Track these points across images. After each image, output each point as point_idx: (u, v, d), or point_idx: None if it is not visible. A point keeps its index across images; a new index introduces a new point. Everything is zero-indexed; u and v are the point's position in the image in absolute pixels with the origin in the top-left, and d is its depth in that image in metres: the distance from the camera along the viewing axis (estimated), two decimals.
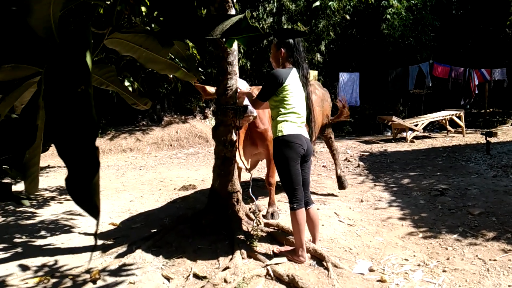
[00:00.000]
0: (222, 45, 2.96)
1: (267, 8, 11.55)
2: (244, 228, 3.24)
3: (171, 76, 3.68)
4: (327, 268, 2.70)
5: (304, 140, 2.77)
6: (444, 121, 10.53)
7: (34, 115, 0.75)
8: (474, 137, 9.61)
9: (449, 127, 10.61)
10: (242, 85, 3.19)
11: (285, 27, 11.31)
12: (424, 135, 10.35)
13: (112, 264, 2.94)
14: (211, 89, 3.29)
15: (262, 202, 4.35)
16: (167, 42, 0.90)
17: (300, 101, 2.83)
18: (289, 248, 2.98)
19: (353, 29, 14.30)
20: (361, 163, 6.85)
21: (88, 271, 2.85)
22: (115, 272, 2.81)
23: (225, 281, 2.51)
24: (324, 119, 4.65)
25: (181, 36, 0.90)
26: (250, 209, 3.45)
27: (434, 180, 5.17)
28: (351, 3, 12.25)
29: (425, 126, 10.31)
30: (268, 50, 10.63)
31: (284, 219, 3.68)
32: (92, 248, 3.31)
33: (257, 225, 3.15)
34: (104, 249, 3.26)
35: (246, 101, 3.08)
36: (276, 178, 3.82)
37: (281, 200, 4.43)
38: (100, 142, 10.16)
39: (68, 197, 5.35)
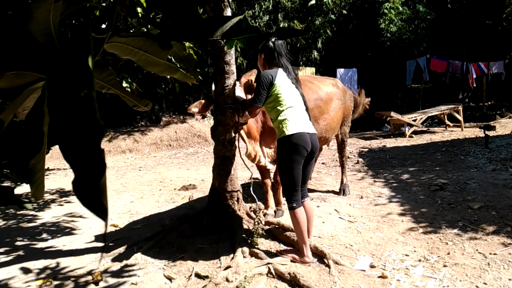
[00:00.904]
0: (221, 46, 2.96)
1: (263, 6, 11.54)
2: (245, 227, 3.25)
3: (169, 76, 3.68)
4: (328, 265, 2.72)
5: (309, 138, 2.75)
6: (442, 115, 10.54)
7: (40, 121, 0.75)
8: (473, 131, 9.62)
9: (447, 122, 10.63)
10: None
11: (281, 25, 11.30)
12: (422, 130, 10.37)
13: (114, 266, 2.95)
14: (194, 109, 3.26)
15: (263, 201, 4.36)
16: (166, 45, 0.91)
17: (295, 97, 2.82)
18: (292, 248, 2.99)
19: (349, 24, 14.29)
20: (360, 159, 6.86)
21: (90, 273, 2.86)
22: (117, 273, 2.82)
23: (227, 280, 2.52)
24: (347, 116, 4.57)
25: (183, 38, 0.91)
26: (250, 207, 3.46)
27: (434, 175, 5.19)
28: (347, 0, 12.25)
29: (423, 121, 10.32)
30: None
31: (284, 217, 3.69)
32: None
33: (258, 223, 3.16)
34: (106, 250, 3.27)
35: (239, 94, 3.08)
36: None
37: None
38: None
39: (68, 199, 5.36)
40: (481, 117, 12.33)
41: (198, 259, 2.90)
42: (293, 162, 2.71)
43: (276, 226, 3.35)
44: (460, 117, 10.24)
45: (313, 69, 12.56)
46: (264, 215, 3.59)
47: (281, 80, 2.77)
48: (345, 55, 14.59)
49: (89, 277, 2.79)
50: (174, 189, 5.60)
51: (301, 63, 12.59)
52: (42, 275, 2.91)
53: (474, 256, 2.83)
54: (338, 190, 4.72)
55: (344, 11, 12.46)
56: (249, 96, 3.09)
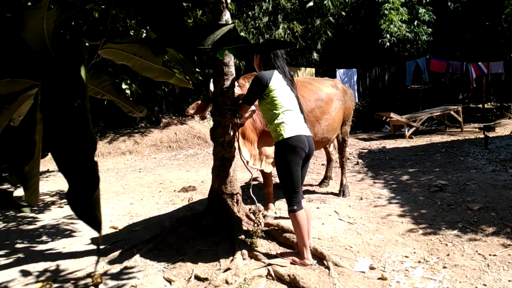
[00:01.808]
0: (213, 56, 2.96)
1: (263, 7, 11.54)
2: (245, 228, 3.25)
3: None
4: (328, 267, 2.71)
5: (306, 141, 2.75)
6: (442, 116, 10.55)
7: (32, 129, 0.75)
8: (473, 132, 9.63)
9: (447, 122, 10.63)
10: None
11: (281, 26, 11.30)
12: (422, 131, 10.37)
13: (113, 268, 2.94)
14: (191, 111, 3.27)
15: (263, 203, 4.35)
16: (160, 51, 0.91)
17: (291, 99, 2.82)
18: (292, 251, 2.98)
19: (349, 25, 14.31)
20: (360, 160, 6.86)
21: (89, 275, 2.86)
22: (117, 276, 2.82)
23: (227, 282, 2.52)
24: (346, 116, 4.55)
25: (174, 47, 0.91)
26: (250, 209, 3.45)
27: (433, 176, 5.18)
28: (347, 1, 12.24)
29: (423, 122, 10.32)
30: None
31: (285, 219, 3.68)
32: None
33: (258, 225, 3.16)
34: (105, 252, 3.27)
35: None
36: None
37: (282, 199, 4.44)
38: (99, 145, 10.16)
39: None
40: (481, 118, 12.33)
41: (198, 261, 2.90)
42: (292, 164, 2.70)
43: (276, 228, 3.35)
44: (460, 118, 10.24)
45: (313, 70, 12.57)
46: (264, 216, 3.59)
47: (277, 83, 2.76)
48: (345, 56, 14.60)
49: (89, 280, 2.79)
50: (174, 190, 5.60)
51: (300, 64, 12.60)
52: (42, 278, 2.91)
53: (474, 257, 2.82)
54: (337, 192, 4.71)
55: (343, 13, 12.46)
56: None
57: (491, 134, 8.22)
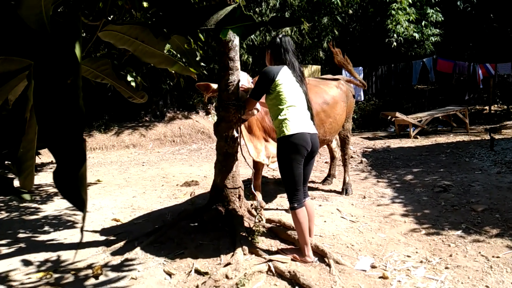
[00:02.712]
0: (225, 41, 2.94)
1: (270, 4, 11.48)
2: (246, 224, 3.24)
3: (173, 71, 3.66)
4: (328, 265, 2.70)
5: (309, 138, 2.72)
6: (448, 117, 10.47)
7: (23, 107, 0.73)
8: (478, 133, 9.55)
9: (453, 123, 10.55)
10: (243, 78, 3.16)
11: None
12: (427, 131, 10.30)
13: (114, 260, 2.95)
14: (215, 85, 3.28)
15: (266, 200, 4.34)
16: (161, 34, 0.89)
17: (298, 95, 2.79)
18: (293, 247, 2.97)
19: (356, 24, 14.21)
20: (364, 159, 6.83)
21: (90, 267, 2.86)
22: (117, 268, 2.82)
23: (227, 277, 2.52)
24: (347, 115, 4.55)
25: (174, 27, 0.89)
26: (251, 205, 3.44)
27: (438, 177, 5.14)
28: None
29: (429, 122, 10.25)
30: None
31: (286, 215, 3.67)
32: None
33: (259, 221, 3.14)
34: (107, 244, 3.28)
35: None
36: None
37: (283, 197, 4.42)
38: (103, 138, 10.19)
39: None
40: (487, 120, 12.23)
41: (198, 256, 2.89)
42: (294, 161, 2.68)
43: (278, 225, 3.34)
44: (466, 119, 10.17)
45: (319, 67, 12.51)
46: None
47: (284, 78, 2.73)
48: (351, 55, 14.50)
49: (89, 271, 2.79)
50: (177, 185, 5.60)
51: (306, 61, 12.54)
52: (43, 268, 2.92)
53: (477, 258, 2.80)
54: (340, 190, 4.69)
55: (350, 11, 12.37)
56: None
57: (497, 136, 8.15)
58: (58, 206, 4.63)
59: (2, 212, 4.48)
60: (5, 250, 3.27)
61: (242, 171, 3.87)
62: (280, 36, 2.88)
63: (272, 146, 3.65)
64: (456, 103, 11.92)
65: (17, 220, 4.15)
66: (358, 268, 2.70)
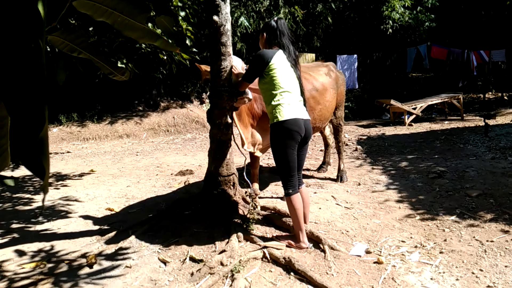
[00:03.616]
0: (216, 26, 2.88)
1: None
2: (241, 211, 3.23)
3: (165, 57, 3.60)
4: (323, 251, 2.70)
5: (303, 124, 2.70)
6: (442, 104, 10.48)
7: None
8: (473, 120, 9.57)
9: (447, 110, 10.57)
10: (237, 63, 3.11)
11: (282, 10, 11.12)
12: (422, 118, 10.31)
13: (108, 249, 2.93)
14: (207, 68, 3.26)
15: (261, 187, 4.33)
16: (139, 3, 0.84)
17: (291, 81, 2.74)
18: (288, 234, 2.96)
19: (351, 11, 14.08)
20: (359, 146, 6.82)
21: (84, 256, 2.84)
22: (112, 256, 2.80)
23: (222, 264, 2.51)
24: (338, 103, 4.51)
25: None
26: (246, 192, 3.42)
27: (432, 163, 5.15)
28: None
29: (423, 109, 10.26)
30: None
31: (281, 203, 3.66)
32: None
33: (254, 208, 3.13)
34: (101, 233, 3.25)
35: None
36: None
37: (278, 184, 4.41)
38: (96, 128, 10.11)
39: (64, 183, 5.33)
40: (482, 107, 12.26)
41: (193, 243, 2.88)
42: (287, 147, 2.66)
43: (272, 211, 3.33)
44: (461, 106, 10.18)
45: (313, 55, 12.41)
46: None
47: (279, 62, 2.69)
48: (346, 42, 14.43)
49: (83, 260, 2.77)
50: (171, 174, 5.57)
51: (301, 49, 12.45)
52: (37, 258, 2.90)
53: (471, 243, 2.81)
54: (335, 177, 4.69)
55: None
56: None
57: (491, 122, 8.17)
58: (51, 196, 4.59)
59: None
60: None
61: (236, 159, 3.84)
62: (276, 18, 2.83)
63: (258, 133, 3.64)
64: (451, 90, 11.92)
65: (10, 211, 4.11)
66: (353, 254, 2.70)
